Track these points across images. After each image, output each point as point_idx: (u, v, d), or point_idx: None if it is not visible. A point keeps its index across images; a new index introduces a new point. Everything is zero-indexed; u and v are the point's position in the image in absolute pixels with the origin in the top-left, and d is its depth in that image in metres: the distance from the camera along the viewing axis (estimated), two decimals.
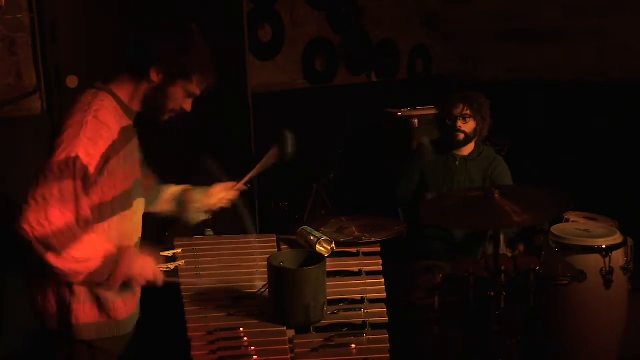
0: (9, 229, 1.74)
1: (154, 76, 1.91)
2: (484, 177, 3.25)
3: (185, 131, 3.77)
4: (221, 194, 2.37)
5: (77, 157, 1.75)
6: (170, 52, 1.90)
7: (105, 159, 1.83)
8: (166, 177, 2.37)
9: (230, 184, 2.40)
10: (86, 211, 1.80)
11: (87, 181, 1.79)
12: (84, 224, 1.79)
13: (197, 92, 1.99)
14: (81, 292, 1.92)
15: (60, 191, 1.74)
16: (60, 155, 1.75)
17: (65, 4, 3.33)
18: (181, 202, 2.33)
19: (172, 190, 2.34)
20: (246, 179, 2.41)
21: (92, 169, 1.79)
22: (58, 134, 1.81)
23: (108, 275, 1.84)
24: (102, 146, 1.82)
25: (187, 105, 2.01)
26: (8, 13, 3.08)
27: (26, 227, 1.70)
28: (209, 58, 1.97)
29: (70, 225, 1.75)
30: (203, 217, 2.38)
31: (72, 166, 1.75)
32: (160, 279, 2.02)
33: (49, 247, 1.72)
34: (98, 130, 1.82)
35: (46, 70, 3.26)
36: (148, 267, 1.98)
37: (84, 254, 1.78)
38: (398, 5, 5.09)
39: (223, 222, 2.93)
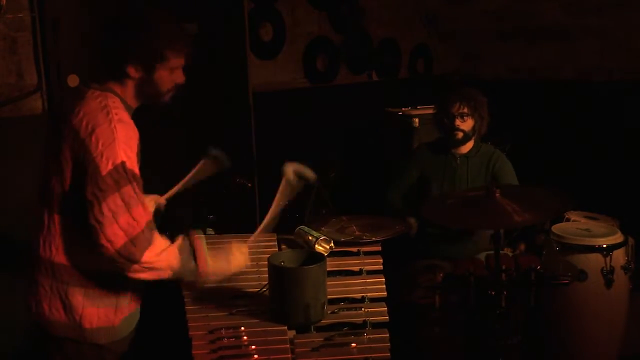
0: (7, 230, 1.75)
1: (133, 73, 1.91)
2: (485, 172, 3.25)
3: (186, 130, 3.79)
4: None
5: (122, 162, 1.77)
6: (135, 45, 1.88)
7: (138, 157, 1.86)
8: (167, 176, 2.38)
9: (155, 196, 2.37)
10: (149, 211, 1.83)
11: (138, 182, 1.82)
12: (152, 225, 1.82)
13: (180, 63, 1.97)
14: (95, 296, 1.92)
15: (123, 199, 1.76)
16: (107, 167, 1.76)
17: (67, 2, 3.33)
18: None
19: None
20: (171, 192, 2.39)
21: (136, 170, 1.82)
22: (84, 145, 1.79)
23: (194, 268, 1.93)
24: (134, 146, 1.85)
25: (179, 78, 1.99)
26: (9, 12, 3.08)
27: (105, 243, 1.74)
28: (171, 28, 1.94)
29: (143, 227, 1.78)
30: None
31: (123, 172, 1.77)
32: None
33: (130, 257, 1.77)
34: (127, 132, 1.83)
35: (47, 70, 3.26)
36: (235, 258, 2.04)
37: (160, 255, 1.83)
38: (399, 4, 5.09)
39: (224, 221, 2.94)
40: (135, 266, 1.79)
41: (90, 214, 1.75)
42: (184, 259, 1.91)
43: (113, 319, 1.96)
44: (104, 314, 1.94)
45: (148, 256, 1.80)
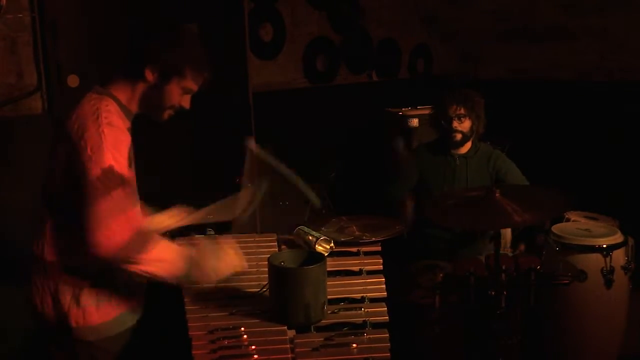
0: (7, 230, 1.75)
1: (149, 75, 1.92)
2: (485, 172, 3.25)
3: (186, 130, 3.79)
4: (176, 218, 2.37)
5: (110, 166, 1.77)
6: (162, 51, 1.91)
7: (129, 162, 1.85)
8: (166, 176, 2.38)
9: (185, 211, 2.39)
10: (140, 213, 1.82)
11: (128, 185, 1.82)
12: (147, 228, 1.81)
13: (194, 87, 2.00)
14: (82, 295, 1.92)
15: (112, 203, 1.76)
16: (95, 171, 1.76)
17: (66, 3, 3.33)
18: None
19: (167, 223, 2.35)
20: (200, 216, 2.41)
21: (126, 174, 1.82)
22: (75, 149, 1.80)
23: (194, 274, 1.94)
24: (124, 150, 1.84)
25: (186, 103, 2.02)
26: (9, 12, 3.08)
27: (95, 246, 1.74)
28: (200, 53, 1.99)
29: (136, 230, 1.78)
30: None
31: (111, 176, 1.77)
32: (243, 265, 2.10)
33: (126, 258, 1.77)
34: (116, 136, 1.83)
35: (47, 70, 3.27)
36: (229, 260, 2.06)
37: (158, 255, 1.84)
38: (399, 4, 5.09)
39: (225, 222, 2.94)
40: (130, 265, 1.80)
41: (81, 217, 1.76)
42: (184, 266, 1.92)
43: (102, 318, 1.96)
44: (92, 313, 1.94)
45: (141, 258, 1.80)
